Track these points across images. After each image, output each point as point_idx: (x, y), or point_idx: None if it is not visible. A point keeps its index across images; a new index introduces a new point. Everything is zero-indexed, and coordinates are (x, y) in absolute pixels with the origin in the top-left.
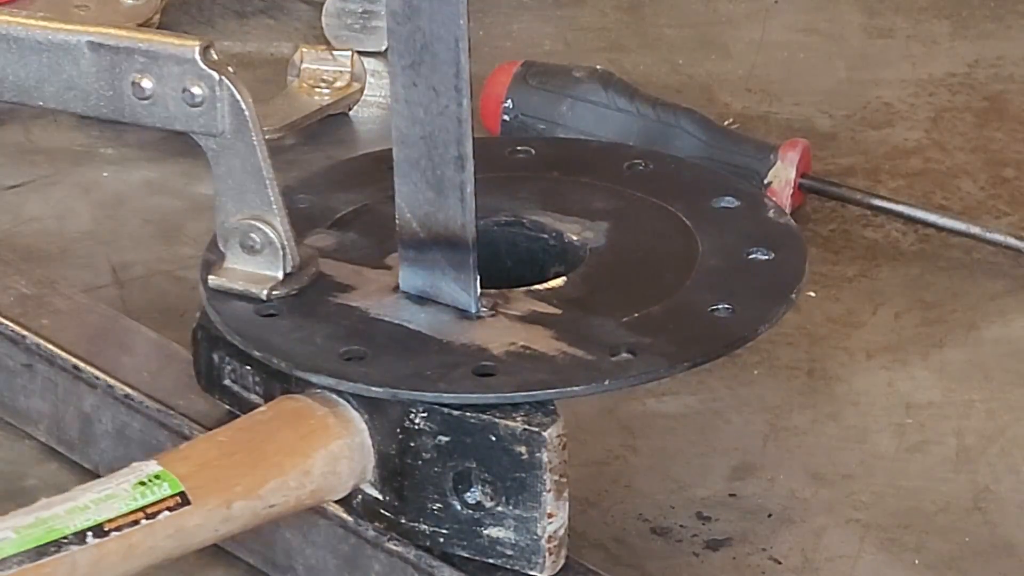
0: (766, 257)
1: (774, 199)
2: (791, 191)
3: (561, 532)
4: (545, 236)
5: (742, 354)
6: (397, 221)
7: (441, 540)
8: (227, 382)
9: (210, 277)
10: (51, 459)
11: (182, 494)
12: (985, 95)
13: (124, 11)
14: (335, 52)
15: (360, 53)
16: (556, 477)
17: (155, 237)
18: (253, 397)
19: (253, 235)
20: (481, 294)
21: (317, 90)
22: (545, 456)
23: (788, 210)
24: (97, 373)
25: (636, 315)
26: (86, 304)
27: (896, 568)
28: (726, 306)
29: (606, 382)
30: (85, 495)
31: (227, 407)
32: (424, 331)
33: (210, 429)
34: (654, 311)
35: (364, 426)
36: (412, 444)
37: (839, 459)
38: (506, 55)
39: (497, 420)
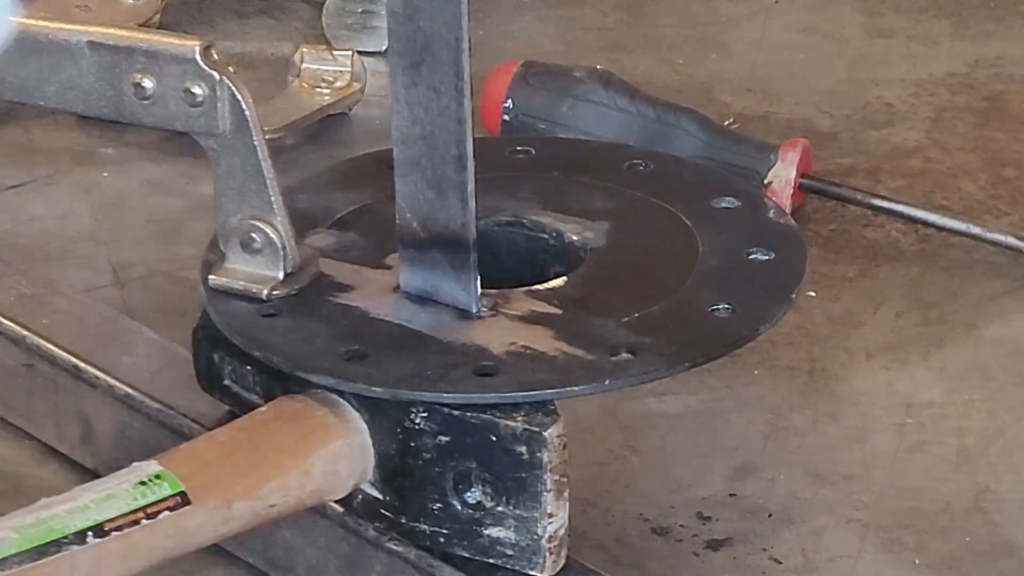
0: (766, 257)
1: (774, 199)
2: (791, 191)
3: (561, 532)
4: (545, 236)
5: (742, 354)
6: (397, 221)
7: (441, 540)
8: (227, 382)
9: (210, 277)
10: (51, 459)
11: (182, 494)
12: (985, 95)
13: (124, 11)
14: (335, 52)
15: (360, 53)
16: (556, 477)
17: (155, 237)
18: (253, 397)
19: (253, 235)
20: (481, 294)
21: (317, 90)
22: (545, 456)
23: (788, 210)
24: (97, 373)
25: (636, 315)
26: (86, 304)
27: (896, 568)
28: (726, 306)
29: (606, 382)
30: (85, 495)
31: (227, 407)
32: (424, 331)
33: (210, 429)
34: (654, 311)
35: (364, 426)
36: (412, 444)
37: (839, 459)
38: (506, 55)
39: (497, 420)
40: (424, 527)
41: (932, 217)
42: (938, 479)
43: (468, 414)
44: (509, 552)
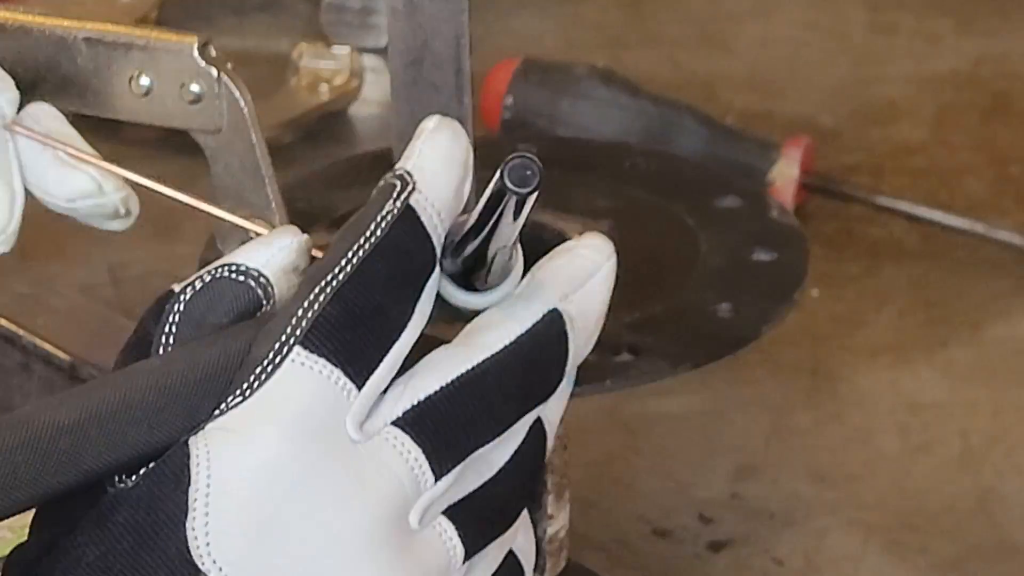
0: (769, 257)
1: (777, 197)
2: (794, 189)
3: (562, 534)
4: (546, 235)
5: (744, 354)
6: None
7: None
8: None
9: None
10: None
11: None
12: (990, 92)
13: (121, 7)
14: (334, 49)
15: (359, 50)
16: (557, 478)
17: (152, 236)
18: None
19: (251, 234)
20: None
21: (316, 87)
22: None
23: (791, 208)
24: (94, 372)
25: (638, 315)
26: (83, 303)
27: (900, 569)
28: (728, 306)
29: (607, 382)
30: None
31: None
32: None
33: None
34: (656, 311)
35: None
36: None
37: (842, 459)
38: (506, 52)
39: None
40: None
41: (936, 215)
42: (942, 480)
43: None
44: None
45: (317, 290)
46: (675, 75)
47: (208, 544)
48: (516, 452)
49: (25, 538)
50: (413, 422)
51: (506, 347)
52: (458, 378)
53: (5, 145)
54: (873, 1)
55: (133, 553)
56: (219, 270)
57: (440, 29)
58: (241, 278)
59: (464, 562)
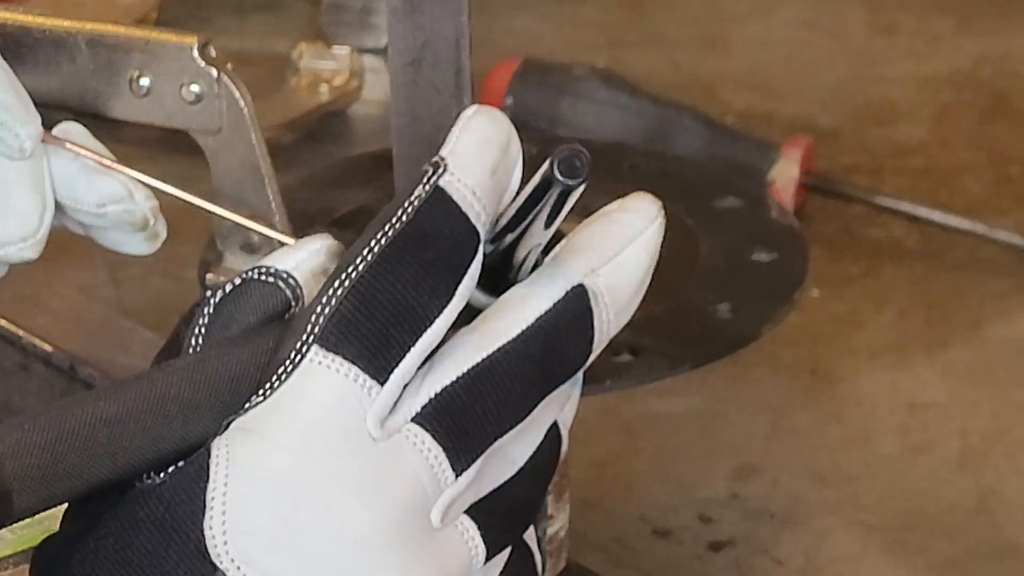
0: (768, 257)
1: (777, 198)
2: (794, 189)
3: (561, 534)
4: None
5: (744, 354)
6: None
7: None
8: None
9: (208, 276)
10: None
11: None
12: (990, 92)
13: (121, 7)
14: (334, 49)
15: (359, 50)
16: (557, 478)
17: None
18: None
19: (251, 234)
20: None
21: (316, 88)
22: None
23: (791, 209)
24: (94, 372)
25: (638, 315)
26: (82, 303)
27: (900, 570)
28: (728, 306)
29: (607, 382)
30: None
31: None
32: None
33: None
34: (656, 311)
35: None
36: None
37: (842, 460)
38: (506, 52)
39: None
40: None
41: (936, 216)
42: (942, 480)
43: None
44: None
45: (336, 284)
46: (675, 75)
47: (226, 543)
48: (536, 452)
49: (24, 538)
50: (432, 417)
51: (523, 331)
52: (474, 367)
53: (40, 160)
54: (873, 1)
55: (153, 549)
56: (249, 273)
57: (440, 29)
58: (270, 279)
59: (485, 562)
